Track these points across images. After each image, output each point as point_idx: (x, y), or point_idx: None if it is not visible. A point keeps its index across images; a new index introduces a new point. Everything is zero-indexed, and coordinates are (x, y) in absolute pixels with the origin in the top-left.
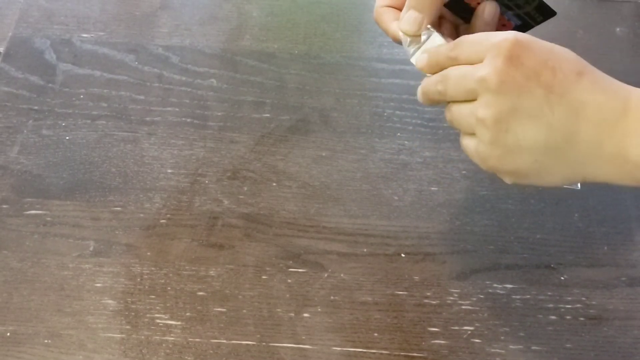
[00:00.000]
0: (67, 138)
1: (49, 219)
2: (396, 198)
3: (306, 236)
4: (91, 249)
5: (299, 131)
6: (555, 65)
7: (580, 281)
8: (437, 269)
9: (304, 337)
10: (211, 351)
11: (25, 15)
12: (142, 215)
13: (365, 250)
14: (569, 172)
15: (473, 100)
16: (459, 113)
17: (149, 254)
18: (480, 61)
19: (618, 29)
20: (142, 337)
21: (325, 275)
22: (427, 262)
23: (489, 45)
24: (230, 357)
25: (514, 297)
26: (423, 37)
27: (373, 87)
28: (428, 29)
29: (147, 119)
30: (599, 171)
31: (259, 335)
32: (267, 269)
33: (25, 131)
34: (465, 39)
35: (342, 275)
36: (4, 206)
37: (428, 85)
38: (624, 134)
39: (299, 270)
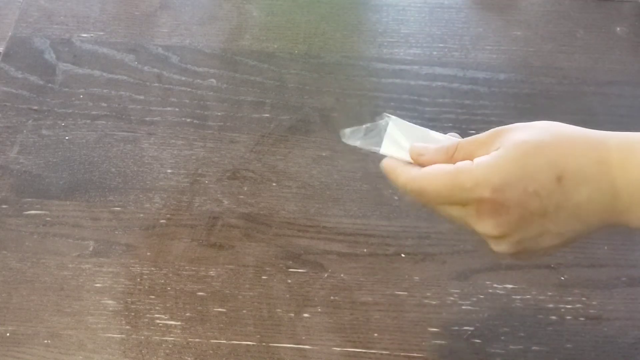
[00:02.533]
0: (67, 138)
1: (48, 219)
2: (396, 198)
3: (306, 236)
4: (91, 249)
5: (299, 131)
6: (534, 187)
7: (581, 281)
8: (437, 269)
9: (303, 338)
10: (211, 351)
11: (25, 15)
12: (141, 215)
13: (365, 250)
14: (587, 236)
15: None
16: (457, 221)
17: (148, 254)
18: (460, 204)
19: (618, 29)
20: (142, 337)
21: (325, 275)
22: (427, 262)
23: (466, 200)
24: (230, 358)
25: (514, 297)
26: (382, 123)
27: (373, 87)
28: (387, 116)
29: (147, 118)
30: (615, 227)
31: (258, 336)
32: (267, 269)
33: (24, 131)
34: (427, 188)
35: (342, 275)
36: (4, 206)
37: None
38: (622, 212)
39: (299, 270)
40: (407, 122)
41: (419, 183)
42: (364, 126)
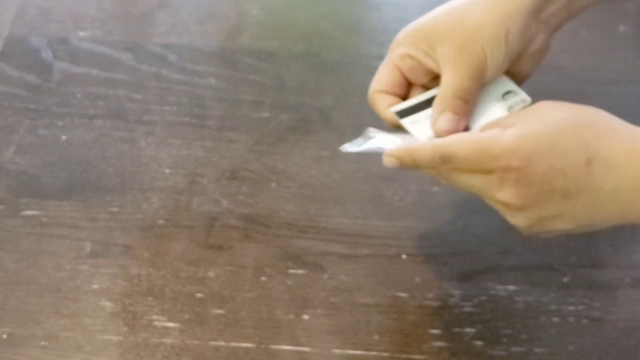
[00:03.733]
0: (64, 138)
1: (45, 219)
2: (397, 198)
3: (306, 237)
4: (88, 250)
5: (299, 131)
6: (562, 164)
7: (584, 282)
8: (438, 270)
9: (303, 340)
10: (209, 354)
11: (21, 13)
12: (139, 215)
13: (365, 251)
14: (601, 228)
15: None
16: (475, 190)
17: (146, 255)
18: (484, 172)
19: (622, 27)
20: (140, 339)
21: (325, 276)
22: (429, 263)
23: (490, 167)
24: None
25: (516, 298)
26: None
27: None
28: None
29: (145, 118)
30: (631, 222)
31: (258, 338)
32: (267, 270)
33: (21, 131)
34: (457, 154)
35: (342, 276)
36: (0, 207)
37: (422, 166)
38: None
39: (299, 271)
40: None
41: (447, 148)
42: (360, 139)
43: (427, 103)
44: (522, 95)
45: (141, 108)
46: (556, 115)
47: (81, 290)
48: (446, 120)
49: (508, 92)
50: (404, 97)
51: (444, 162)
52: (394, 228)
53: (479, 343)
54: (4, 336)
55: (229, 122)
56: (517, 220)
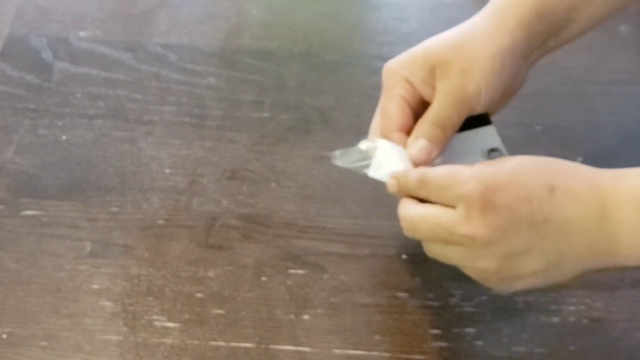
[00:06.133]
0: (64, 138)
1: (45, 219)
2: (397, 198)
3: (306, 237)
4: (88, 250)
5: (299, 131)
6: (526, 192)
7: (584, 283)
8: (438, 270)
9: (303, 340)
10: (209, 354)
11: (21, 13)
12: (139, 215)
13: (366, 251)
14: (570, 274)
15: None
16: (445, 255)
17: (146, 255)
18: (452, 206)
19: (622, 27)
20: (140, 339)
21: (326, 276)
22: (429, 263)
23: (458, 196)
24: None
25: (516, 299)
26: (377, 150)
27: (374, 86)
28: (373, 141)
29: (145, 118)
30: (598, 266)
31: (258, 338)
32: (267, 270)
33: (21, 131)
34: (430, 179)
35: (342, 276)
36: (0, 207)
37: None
38: (610, 235)
39: (299, 271)
40: (396, 145)
41: (425, 171)
42: (354, 148)
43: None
44: (505, 156)
45: (141, 108)
46: (515, 158)
47: (81, 290)
48: (418, 147)
49: (494, 150)
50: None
51: (421, 186)
52: (394, 228)
53: (479, 343)
54: (4, 336)
55: (229, 122)
56: (487, 262)
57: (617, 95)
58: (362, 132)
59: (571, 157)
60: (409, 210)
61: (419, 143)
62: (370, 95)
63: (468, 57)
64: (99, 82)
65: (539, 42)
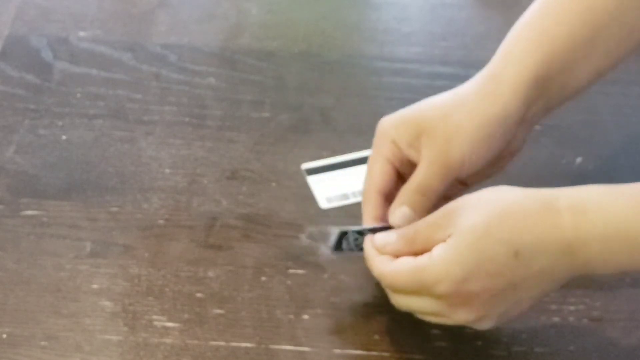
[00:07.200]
0: (64, 138)
1: (45, 219)
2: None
3: (306, 237)
4: (88, 250)
5: (299, 130)
6: (496, 268)
7: (584, 282)
8: None
9: (303, 340)
10: (209, 354)
11: (21, 13)
12: (139, 215)
13: None
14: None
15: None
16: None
17: (146, 255)
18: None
19: None
20: (140, 339)
21: (325, 276)
22: None
23: (436, 296)
24: None
25: None
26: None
27: (374, 86)
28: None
29: (145, 118)
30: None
31: (258, 338)
32: (267, 270)
33: (21, 131)
34: (396, 285)
35: (342, 276)
36: (0, 207)
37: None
38: (583, 264)
39: (299, 271)
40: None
41: (389, 280)
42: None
43: (335, 166)
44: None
45: (141, 108)
46: (468, 224)
47: (81, 290)
48: (400, 214)
49: None
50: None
51: (391, 290)
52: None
53: (479, 343)
54: (4, 336)
55: (229, 122)
56: (486, 326)
57: (617, 95)
58: (362, 132)
59: (571, 157)
60: (393, 299)
61: (401, 210)
62: (370, 95)
63: (454, 126)
64: (99, 82)
65: (537, 107)
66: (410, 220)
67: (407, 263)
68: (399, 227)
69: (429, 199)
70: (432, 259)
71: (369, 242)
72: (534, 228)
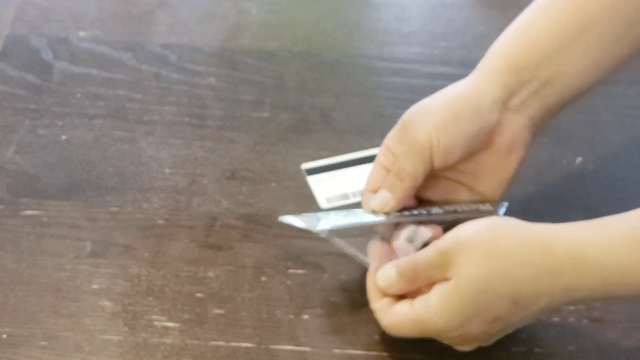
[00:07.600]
0: (64, 138)
1: (45, 219)
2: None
3: (306, 237)
4: (88, 250)
5: (299, 130)
6: (494, 314)
7: None
8: None
9: (303, 340)
10: (209, 354)
11: (21, 13)
12: (139, 215)
13: None
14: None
15: None
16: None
17: (146, 255)
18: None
19: None
20: (140, 339)
21: (325, 276)
22: None
23: (437, 338)
24: None
25: None
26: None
27: (374, 86)
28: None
29: (145, 118)
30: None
31: (258, 338)
32: (267, 270)
33: (21, 131)
34: (403, 333)
35: (342, 276)
36: (0, 207)
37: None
38: (588, 291)
39: (299, 271)
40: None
41: (392, 332)
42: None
43: (335, 166)
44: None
45: (141, 108)
46: (467, 276)
47: (81, 290)
48: (378, 197)
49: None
50: None
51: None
52: None
53: None
54: (4, 336)
55: (229, 122)
56: (487, 345)
57: (617, 95)
58: (362, 132)
59: (571, 157)
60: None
61: (380, 193)
62: (370, 95)
63: (422, 109)
64: (99, 82)
65: (531, 102)
66: (387, 203)
67: (407, 314)
68: (375, 208)
69: (403, 182)
70: (431, 307)
71: (372, 280)
72: (534, 279)
